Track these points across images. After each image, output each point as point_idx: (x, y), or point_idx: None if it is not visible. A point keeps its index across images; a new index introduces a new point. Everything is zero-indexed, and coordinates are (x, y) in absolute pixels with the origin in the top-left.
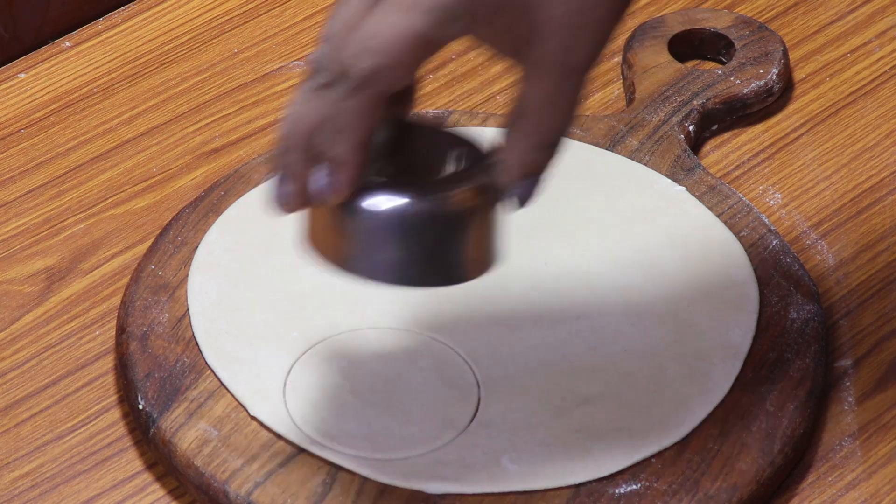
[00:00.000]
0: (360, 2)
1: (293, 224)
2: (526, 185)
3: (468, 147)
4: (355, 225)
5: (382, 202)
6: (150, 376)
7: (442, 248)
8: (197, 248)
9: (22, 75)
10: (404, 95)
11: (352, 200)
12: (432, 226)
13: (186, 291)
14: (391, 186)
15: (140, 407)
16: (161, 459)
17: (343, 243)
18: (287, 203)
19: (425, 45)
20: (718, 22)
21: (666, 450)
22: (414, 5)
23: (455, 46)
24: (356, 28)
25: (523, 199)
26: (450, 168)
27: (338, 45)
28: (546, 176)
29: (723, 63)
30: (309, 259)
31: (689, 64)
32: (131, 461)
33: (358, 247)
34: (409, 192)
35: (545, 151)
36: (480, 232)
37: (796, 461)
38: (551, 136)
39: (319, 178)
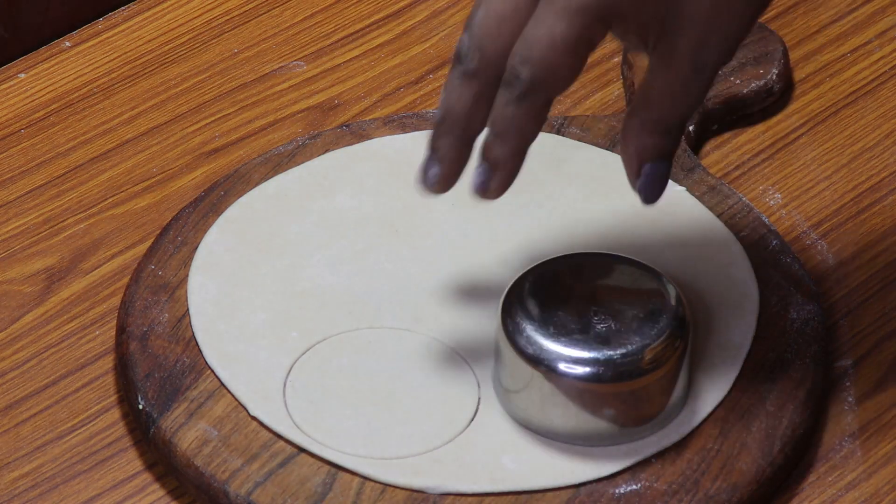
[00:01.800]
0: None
1: (293, 224)
2: (648, 175)
3: (646, 276)
4: (542, 383)
5: (568, 368)
6: (150, 376)
7: (624, 411)
8: (197, 248)
9: (22, 75)
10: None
11: (540, 358)
12: (618, 396)
13: (186, 291)
14: (578, 348)
15: (140, 407)
16: (161, 459)
17: (523, 401)
18: (434, 184)
19: (576, 48)
20: None
21: (666, 450)
22: (562, 9)
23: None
24: (513, 34)
25: (647, 192)
26: (632, 303)
27: (491, 42)
28: (667, 168)
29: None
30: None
31: None
32: (131, 461)
33: (538, 405)
34: (595, 360)
35: (663, 136)
36: (661, 389)
37: (796, 461)
38: (670, 122)
39: (479, 175)
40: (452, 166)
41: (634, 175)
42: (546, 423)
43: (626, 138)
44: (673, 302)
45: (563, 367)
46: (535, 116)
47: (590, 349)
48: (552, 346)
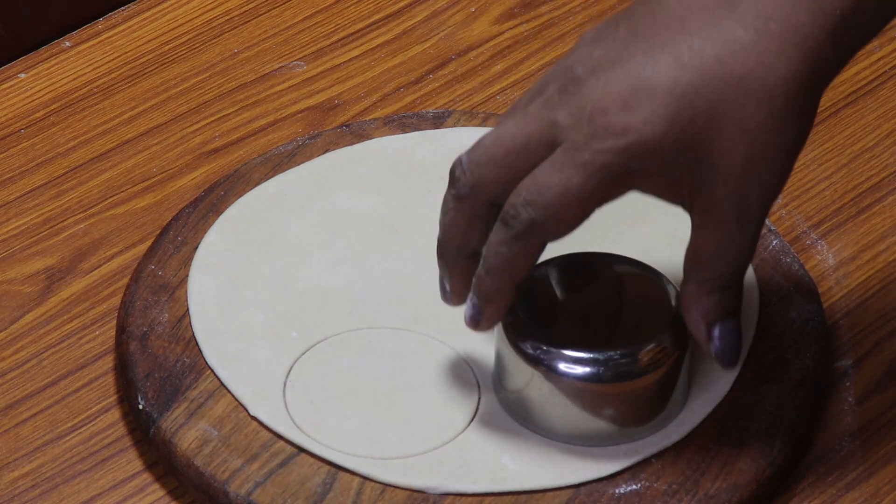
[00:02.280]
0: (528, 133)
1: (293, 224)
2: (721, 336)
3: (654, 281)
4: (539, 383)
5: (567, 368)
6: (150, 376)
7: (624, 411)
8: (197, 247)
9: (22, 75)
10: None
11: (540, 358)
12: (615, 396)
13: (186, 291)
14: (578, 348)
15: (140, 407)
16: (161, 459)
17: (523, 401)
18: (448, 299)
19: (590, 203)
20: None
21: (666, 450)
22: (581, 164)
23: (455, 46)
24: (518, 171)
25: (725, 354)
26: (632, 303)
27: (495, 174)
28: (737, 324)
29: None
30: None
31: None
32: (131, 461)
33: (538, 405)
34: (595, 360)
35: (724, 293)
36: (663, 388)
37: (796, 461)
38: (727, 278)
39: (470, 308)
40: (457, 282)
41: (706, 341)
42: (546, 423)
43: (688, 305)
44: (673, 302)
45: (562, 367)
46: (528, 256)
47: (589, 349)
48: (552, 346)
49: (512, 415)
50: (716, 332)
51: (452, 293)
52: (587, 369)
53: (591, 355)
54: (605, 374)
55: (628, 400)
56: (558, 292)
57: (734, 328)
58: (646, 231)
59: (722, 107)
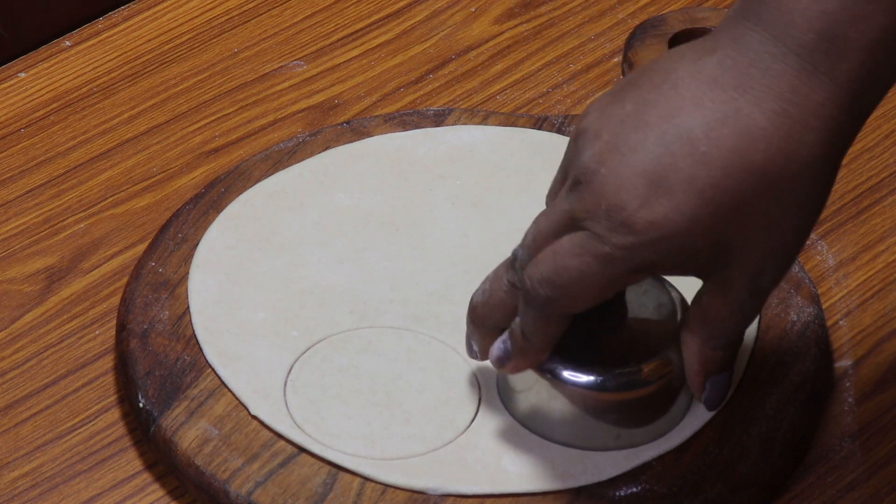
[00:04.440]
0: (554, 222)
1: (293, 221)
2: (713, 386)
3: (665, 298)
4: (540, 391)
5: (569, 378)
6: (151, 374)
7: (622, 422)
8: (197, 245)
9: (22, 75)
10: None
11: (545, 369)
12: (614, 407)
13: (187, 289)
14: (581, 362)
15: (140, 405)
16: (161, 458)
17: (525, 401)
18: (474, 355)
19: (606, 289)
20: (719, 21)
21: (666, 453)
22: (602, 255)
23: (455, 46)
24: (544, 251)
25: (712, 400)
26: (639, 314)
27: (530, 254)
28: (729, 377)
29: None
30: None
31: None
32: (131, 461)
33: (541, 410)
34: (595, 372)
35: (724, 350)
36: (663, 402)
37: (796, 464)
38: (730, 338)
39: (499, 350)
40: (487, 345)
41: (699, 389)
42: (547, 428)
43: (689, 356)
44: (679, 313)
45: (566, 375)
46: (552, 324)
47: (593, 359)
48: (556, 354)
49: (513, 415)
50: (709, 384)
51: (481, 353)
52: (590, 378)
53: (595, 365)
54: (608, 383)
55: (631, 409)
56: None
57: (726, 380)
58: None
59: (744, 199)
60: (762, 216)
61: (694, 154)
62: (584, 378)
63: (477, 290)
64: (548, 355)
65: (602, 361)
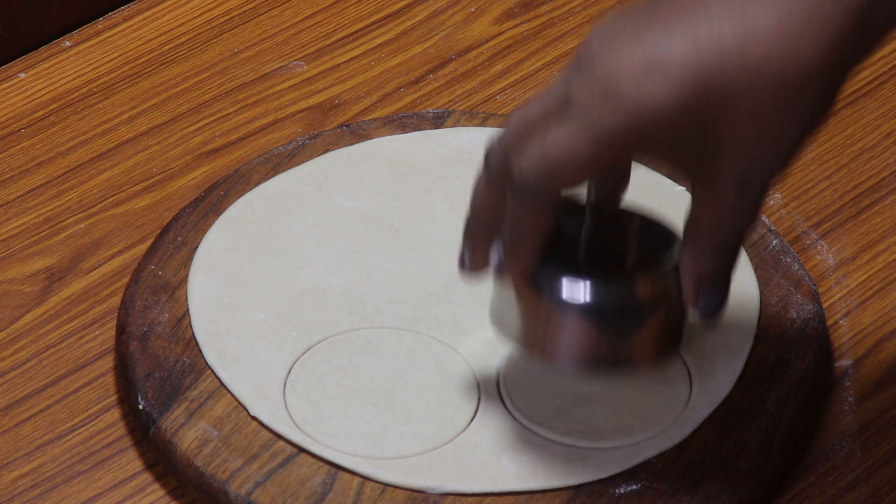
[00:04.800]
0: (544, 108)
1: (293, 224)
2: (708, 296)
3: (661, 231)
4: (534, 307)
5: (563, 290)
6: (150, 376)
7: (622, 337)
8: (197, 248)
9: (22, 75)
10: (620, 175)
11: (537, 284)
12: (613, 318)
13: (186, 291)
14: (575, 275)
15: (140, 407)
16: (161, 459)
17: (522, 322)
18: (466, 273)
19: (592, 169)
20: None
21: (666, 450)
22: (587, 130)
23: (455, 46)
24: (532, 137)
25: (708, 311)
26: (640, 253)
27: (511, 146)
28: (725, 288)
29: None
30: (496, 333)
31: None
32: (131, 461)
33: (537, 328)
34: (593, 283)
35: (717, 260)
36: (663, 321)
37: (796, 461)
38: (723, 246)
39: (495, 258)
40: (479, 256)
41: (693, 298)
42: (549, 350)
43: (683, 263)
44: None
45: (567, 293)
46: (542, 214)
47: (593, 277)
48: (558, 272)
49: (504, 338)
50: (703, 293)
51: (470, 265)
52: (590, 297)
53: (595, 282)
54: (607, 300)
55: (628, 331)
56: (572, 230)
57: (723, 292)
58: None
59: (736, 92)
60: (753, 113)
61: (695, 45)
62: (581, 289)
63: (469, 204)
64: (538, 253)
65: (600, 278)
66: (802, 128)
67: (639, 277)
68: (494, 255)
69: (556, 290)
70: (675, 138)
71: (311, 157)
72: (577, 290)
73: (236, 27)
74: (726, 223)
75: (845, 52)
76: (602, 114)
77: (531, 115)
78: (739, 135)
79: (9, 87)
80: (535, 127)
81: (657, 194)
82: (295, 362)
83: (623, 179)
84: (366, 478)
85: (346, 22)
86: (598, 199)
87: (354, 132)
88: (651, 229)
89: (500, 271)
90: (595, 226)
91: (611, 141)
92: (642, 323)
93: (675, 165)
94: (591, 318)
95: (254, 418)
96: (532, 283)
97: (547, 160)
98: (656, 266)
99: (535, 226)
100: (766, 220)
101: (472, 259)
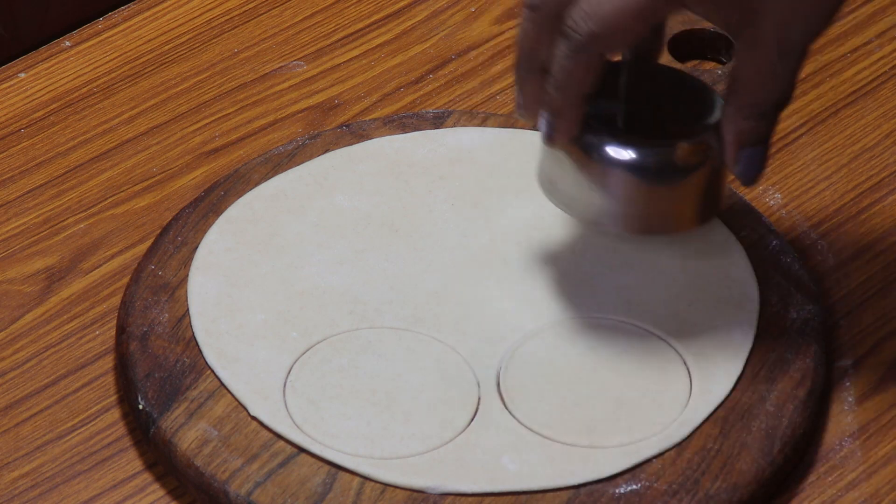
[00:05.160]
0: None
1: (293, 224)
2: (747, 159)
3: (706, 94)
4: (583, 169)
5: (608, 152)
6: (150, 376)
7: (668, 198)
8: (197, 248)
9: (22, 75)
10: (655, 35)
11: (583, 146)
12: (657, 178)
13: (186, 291)
14: (620, 136)
15: (140, 407)
16: (161, 459)
17: (569, 185)
18: (521, 110)
19: (645, 17)
20: None
21: (666, 450)
22: None
23: (455, 46)
24: None
25: (747, 175)
26: (684, 113)
27: None
28: (764, 151)
29: (723, 63)
30: (543, 194)
31: (690, 64)
32: (131, 461)
33: (584, 190)
34: (637, 144)
35: (758, 120)
36: (705, 183)
37: (796, 461)
38: (763, 106)
39: (543, 125)
40: (528, 96)
41: (733, 160)
42: (593, 211)
43: (724, 124)
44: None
45: (611, 152)
46: (591, 68)
47: (639, 138)
48: (605, 134)
49: (564, 209)
50: (743, 153)
51: (524, 107)
52: (636, 156)
53: (630, 145)
54: (652, 160)
55: (673, 192)
56: (616, 90)
57: (762, 153)
58: None
59: None
60: None
61: None
62: (626, 153)
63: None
64: (583, 111)
65: (645, 140)
66: None
67: (682, 139)
68: (543, 121)
69: (604, 150)
70: None
71: (311, 157)
72: (623, 151)
73: (236, 27)
74: (768, 83)
75: None
76: None
77: None
78: None
79: (9, 87)
80: None
81: None
82: (295, 362)
83: (658, 39)
84: (366, 478)
85: (346, 22)
86: (635, 57)
87: (354, 132)
88: (688, 87)
89: (551, 135)
90: (633, 83)
91: None
92: (685, 183)
93: (719, 23)
94: (638, 177)
95: (254, 418)
96: (579, 144)
97: (602, 14)
98: (698, 127)
99: (584, 83)
100: (766, 220)
101: (524, 102)
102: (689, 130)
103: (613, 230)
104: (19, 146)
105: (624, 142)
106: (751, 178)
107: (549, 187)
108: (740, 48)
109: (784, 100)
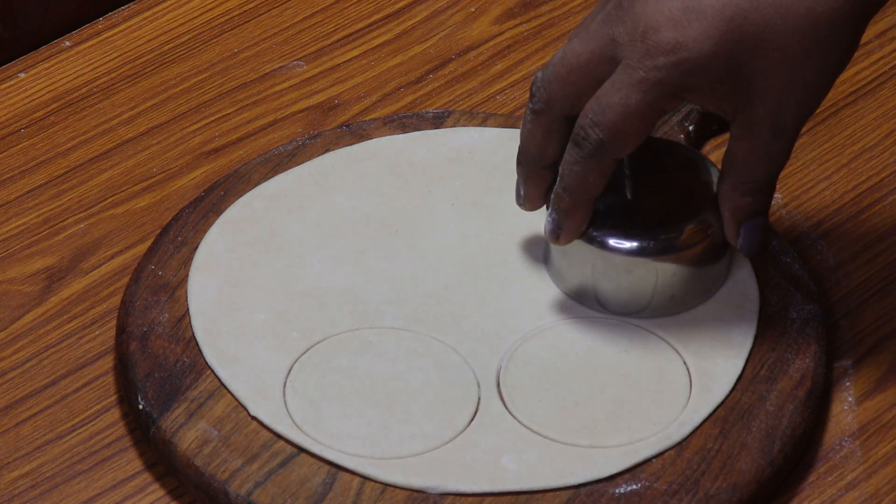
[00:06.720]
0: (590, 51)
1: (293, 224)
2: (748, 233)
3: (701, 164)
4: (584, 256)
5: (615, 242)
6: (150, 376)
7: (676, 282)
8: (197, 248)
9: (22, 75)
10: None
11: (588, 239)
12: (665, 265)
13: (186, 291)
14: (623, 225)
15: (140, 407)
16: (161, 459)
17: (576, 276)
18: (521, 204)
19: (650, 116)
20: None
21: (666, 450)
22: (638, 81)
23: (455, 46)
24: (579, 84)
25: (749, 247)
26: (678, 185)
27: (559, 86)
28: (763, 222)
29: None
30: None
31: None
32: (131, 461)
33: (589, 281)
34: (636, 234)
35: (754, 195)
36: (709, 259)
37: (796, 461)
38: (759, 182)
39: (550, 223)
40: (532, 190)
41: (734, 235)
42: (601, 299)
43: (722, 202)
44: (716, 180)
45: (613, 244)
46: (601, 173)
47: (638, 227)
48: (605, 227)
49: (564, 291)
50: (743, 229)
51: (527, 200)
52: (635, 244)
53: (638, 232)
54: (653, 248)
55: (678, 272)
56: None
57: (761, 225)
58: None
59: (768, 32)
60: (784, 52)
61: None
62: (628, 244)
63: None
64: (591, 212)
65: (646, 228)
66: (831, 69)
67: (685, 225)
68: (549, 220)
69: (609, 242)
70: (714, 82)
71: (311, 157)
72: (627, 243)
73: (236, 27)
74: (761, 160)
75: (864, 3)
76: (647, 69)
77: (579, 58)
78: (773, 76)
79: (9, 87)
80: (586, 74)
81: None
82: (295, 362)
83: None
84: (366, 478)
85: (346, 22)
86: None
87: (354, 132)
88: (683, 158)
89: (557, 234)
90: (632, 157)
91: (660, 93)
92: (690, 266)
93: (716, 110)
94: (644, 267)
95: (254, 418)
96: (584, 237)
97: (609, 121)
98: (698, 206)
99: (596, 186)
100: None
101: (527, 196)
102: (690, 212)
103: (625, 318)
104: (19, 146)
105: (627, 233)
106: (751, 249)
107: (557, 276)
108: (735, 130)
109: (777, 173)
